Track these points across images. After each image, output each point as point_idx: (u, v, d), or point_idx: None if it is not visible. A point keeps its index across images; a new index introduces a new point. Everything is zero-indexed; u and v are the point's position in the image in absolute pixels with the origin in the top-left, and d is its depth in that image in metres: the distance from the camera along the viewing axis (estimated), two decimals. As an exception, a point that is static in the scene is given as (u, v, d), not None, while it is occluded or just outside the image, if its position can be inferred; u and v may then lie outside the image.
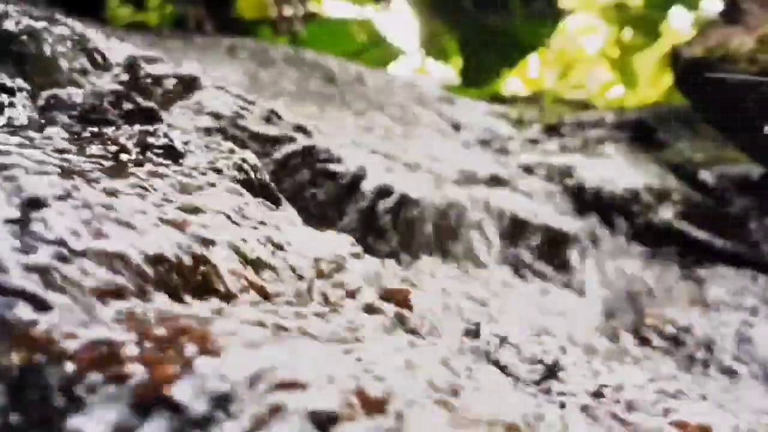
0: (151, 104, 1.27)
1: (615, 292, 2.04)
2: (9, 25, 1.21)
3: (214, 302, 0.74)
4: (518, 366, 0.93)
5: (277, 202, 1.15)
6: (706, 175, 2.64)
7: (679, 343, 1.87)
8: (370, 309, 0.88)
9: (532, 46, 4.49)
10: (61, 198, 0.76)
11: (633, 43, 4.93)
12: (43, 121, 1.09)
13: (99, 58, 1.33)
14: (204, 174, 1.03)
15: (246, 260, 0.84)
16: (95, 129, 1.07)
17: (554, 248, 1.97)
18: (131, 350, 0.56)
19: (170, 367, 0.55)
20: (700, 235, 2.34)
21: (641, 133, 3.05)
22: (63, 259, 0.65)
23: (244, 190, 1.04)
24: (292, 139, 1.43)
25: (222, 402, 0.53)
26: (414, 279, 1.21)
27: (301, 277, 0.90)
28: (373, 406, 0.58)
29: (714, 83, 2.28)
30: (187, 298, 0.72)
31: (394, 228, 1.58)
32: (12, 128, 1.01)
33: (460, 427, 0.62)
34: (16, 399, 0.53)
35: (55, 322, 0.59)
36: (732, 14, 2.51)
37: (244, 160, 1.17)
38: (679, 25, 4.92)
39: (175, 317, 0.64)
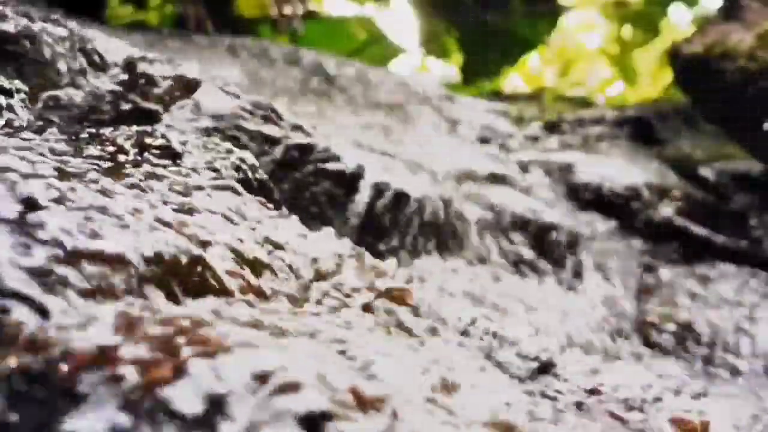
0: (149, 105, 1.27)
1: (615, 289, 2.04)
2: (7, 26, 1.21)
3: (211, 303, 0.74)
4: (516, 364, 0.93)
5: (275, 202, 1.15)
6: (706, 172, 2.64)
7: (679, 340, 1.87)
8: (367, 308, 0.88)
9: (532, 43, 4.49)
10: (58, 199, 0.76)
11: (633, 40, 4.93)
12: (40, 122, 1.10)
13: (97, 59, 1.33)
14: (202, 174, 1.03)
15: (243, 260, 0.84)
16: (93, 130, 1.07)
17: (554, 246, 1.97)
18: (127, 351, 0.57)
19: (166, 369, 0.55)
20: (701, 231, 2.33)
21: (641, 130, 3.05)
22: (59, 260, 0.66)
23: (242, 190, 1.04)
24: (291, 139, 1.43)
25: (217, 403, 0.53)
26: (412, 277, 1.21)
27: (299, 277, 0.90)
28: (369, 405, 0.58)
29: (714, 80, 2.28)
30: (184, 298, 0.72)
31: (392, 226, 1.58)
32: (10, 130, 1.01)
33: (455, 427, 0.62)
34: (13, 401, 0.53)
35: (51, 324, 0.59)
36: (731, 11, 2.51)
37: (242, 160, 1.17)
38: (678, 21, 4.92)
39: (171, 318, 0.64)
